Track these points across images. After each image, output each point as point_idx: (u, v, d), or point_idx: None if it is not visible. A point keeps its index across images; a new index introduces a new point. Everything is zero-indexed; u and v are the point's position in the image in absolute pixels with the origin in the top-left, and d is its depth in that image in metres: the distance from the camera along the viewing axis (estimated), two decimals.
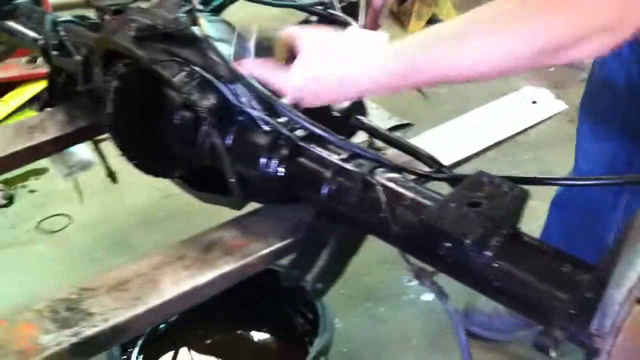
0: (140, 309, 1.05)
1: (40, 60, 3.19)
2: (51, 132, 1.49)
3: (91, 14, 1.73)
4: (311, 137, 1.14)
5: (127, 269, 1.12)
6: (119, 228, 2.68)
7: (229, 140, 1.20)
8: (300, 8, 1.45)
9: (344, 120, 1.23)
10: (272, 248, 1.17)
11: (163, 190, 2.80)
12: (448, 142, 1.46)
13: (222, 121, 1.19)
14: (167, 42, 1.23)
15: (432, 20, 4.80)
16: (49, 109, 1.60)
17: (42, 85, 3.18)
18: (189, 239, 1.19)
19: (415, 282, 2.44)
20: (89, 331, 1.01)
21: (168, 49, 1.22)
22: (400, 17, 4.88)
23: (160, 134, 1.34)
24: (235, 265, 1.13)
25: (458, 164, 1.40)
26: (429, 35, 0.99)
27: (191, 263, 1.13)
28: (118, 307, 1.05)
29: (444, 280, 0.98)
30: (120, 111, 1.30)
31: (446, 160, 1.19)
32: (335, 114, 1.27)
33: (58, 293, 1.08)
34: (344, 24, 1.36)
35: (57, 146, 1.51)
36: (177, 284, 1.09)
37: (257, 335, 2.12)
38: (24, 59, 3.19)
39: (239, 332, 2.12)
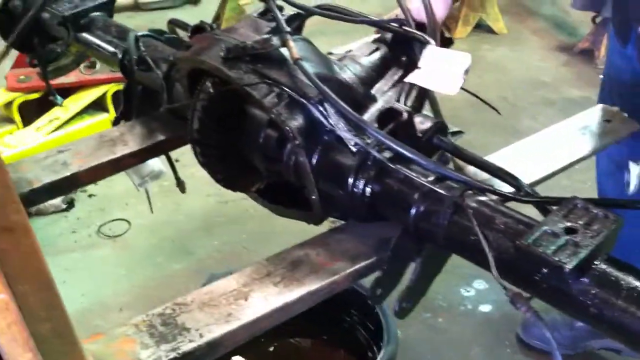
0: (233, 325, 1.08)
1: (99, 66, 3.26)
2: (132, 145, 1.52)
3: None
4: (398, 158, 1.15)
5: (218, 285, 1.15)
6: (178, 233, 2.73)
7: (314, 159, 1.22)
8: (377, 25, 1.46)
9: (427, 140, 1.24)
10: (357, 266, 1.18)
11: (219, 196, 2.84)
12: (524, 160, 1.46)
13: (309, 140, 1.21)
14: (256, 62, 1.25)
15: (479, 25, 4.79)
16: (128, 122, 1.64)
17: (100, 90, 3.26)
18: (275, 256, 1.21)
19: (472, 293, 2.46)
20: (186, 346, 1.04)
21: (257, 70, 1.24)
22: (446, 22, 4.87)
23: (242, 149, 1.37)
24: (322, 283, 1.15)
25: (536, 183, 1.39)
26: None
27: (280, 280, 1.15)
28: (211, 322, 1.08)
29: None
30: (205, 127, 1.33)
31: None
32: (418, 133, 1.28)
33: (154, 308, 1.11)
34: (421, 42, 1.37)
35: (137, 159, 1.54)
36: (268, 300, 1.12)
37: (317, 344, 2.14)
38: (82, 65, 3.24)
39: (299, 340, 2.14)
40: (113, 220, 2.80)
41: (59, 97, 2.18)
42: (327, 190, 1.24)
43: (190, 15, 5.32)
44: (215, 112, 1.33)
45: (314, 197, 1.25)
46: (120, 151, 1.50)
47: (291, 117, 1.20)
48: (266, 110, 1.22)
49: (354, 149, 1.18)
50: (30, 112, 3.19)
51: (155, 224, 2.74)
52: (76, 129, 3.19)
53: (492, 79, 3.98)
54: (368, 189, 1.17)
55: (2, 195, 0.74)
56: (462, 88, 1.27)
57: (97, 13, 1.90)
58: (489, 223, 1.03)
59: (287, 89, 1.20)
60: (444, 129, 1.25)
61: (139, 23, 5.10)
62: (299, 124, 1.20)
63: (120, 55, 1.66)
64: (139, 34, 1.64)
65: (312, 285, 1.14)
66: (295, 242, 1.36)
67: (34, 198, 1.40)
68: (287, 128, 1.19)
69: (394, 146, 1.12)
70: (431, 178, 1.12)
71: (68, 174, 1.43)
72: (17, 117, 3.17)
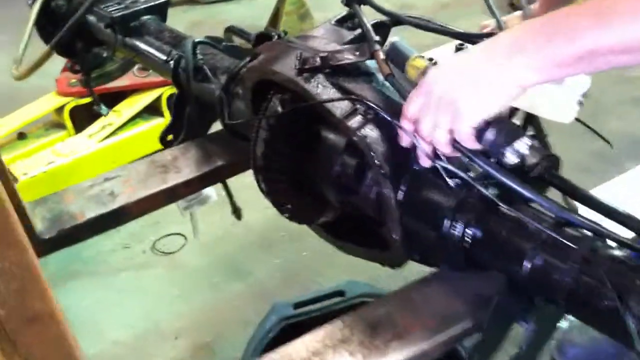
0: None
1: None
2: (185, 173, 1.38)
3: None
4: (508, 196, 0.97)
5: (285, 353, 0.98)
6: (236, 250, 2.59)
7: (401, 192, 1.06)
8: (465, 39, 1.28)
9: (537, 175, 1.05)
10: (450, 332, 1.00)
11: None
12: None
13: (396, 170, 1.05)
14: (337, 75, 1.11)
15: None
16: (181, 144, 1.49)
17: (155, 94, 3.15)
18: (351, 316, 1.04)
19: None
20: None
21: (338, 84, 1.10)
22: (518, 8, 4.60)
23: (312, 177, 1.22)
24: (408, 354, 0.97)
25: None
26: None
27: (356, 347, 0.98)
28: None
29: None
30: (271, 151, 1.18)
31: None
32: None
33: None
34: None
35: (192, 188, 1.40)
36: None
37: None
38: (135, 67, 3.14)
39: None
40: (168, 235, 2.68)
41: (103, 107, 2.08)
42: (413, 230, 1.07)
43: (247, 9, 5.20)
44: (284, 134, 1.18)
45: (395, 236, 1.08)
46: (173, 179, 1.36)
47: (378, 142, 1.04)
48: (348, 132, 1.06)
49: (452, 183, 1.00)
50: (83, 118, 3.10)
51: (211, 239, 2.61)
52: (130, 135, 3.09)
53: None
54: (469, 233, 1.00)
55: (24, 281, 0.62)
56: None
57: (149, 16, 1.77)
58: (630, 286, 0.84)
59: (376, 108, 1.04)
60: (556, 164, 1.05)
61: (194, 18, 5.00)
62: (387, 149, 1.04)
63: (173, 63, 1.52)
64: (197, 40, 1.50)
65: (395, 356, 0.96)
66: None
67: (78, 235, 1.28)
68: (373, 154, 1.03)
69: (509, 182, 0.93)
70: (549, 223, 0.94)
71: (115, 206, 1.30)
72: (68, 123, 3.09)
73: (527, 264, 0.93)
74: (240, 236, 2.67)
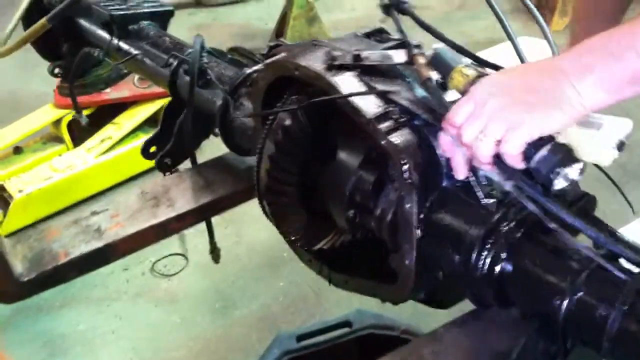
0: None
1: None
2: (179, 206, 1.31)
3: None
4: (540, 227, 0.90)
5: None
6: (239, 271, 2.52)
7: (425, 210, 0.98)
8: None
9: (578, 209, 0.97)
10: None
11: None
12: None
13: (423, 183, 0.97)
14: (369, 76, 1.05)
15: None
16: (175, 173, 1.42)
17: (156, 105, 3.08)
18: None
19: None
20: None
21: (370, 85, 1.04)
22: (541, 13, 4.51)
23: (321, 193, 1.16)
24: None
25: None
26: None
27: None
28: None
29: None
30: (282, 155, 1.12)
31: None
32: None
33: None
34: None
35: (186, 222, 1.33)
36: None
37: None
38: (136, 77, 3.08)
39: None
40: (168, 256, 2.61)
41: (84, 117, 2.03)
42: (432, 256, 0.99)
43: (255, 12, 5.11)
44: (297, 140, 1.11)
45: (408, 262, 1.00)
46: (165, 214, 1.29)
47: (409, 148, 0.96)
48: (376, 135, 0.98)
49: (486, 202, 0.94)
50: (81, 131, 3.04)
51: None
52: (130, 149, 3.01)
53: None
54: (502, 261, 0.92)
55: None
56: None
57: (150, 22, 1.70)
58: None
59: (413, 110, 0.99)
60: (592, 202, 0.98)
61: (200, 21, 4.93)
62: (417, 158, 0.97)
63: (173, 67, 1.46)
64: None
65: None
66: None
67: (60, 276, 1.21)
68: (402, 161, 0.96)
69: (554, 208, 0.86)
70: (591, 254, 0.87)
71: (101, 245, 1.23)
72: (66, 137, 3.03)
73: (567, 299, 0.85)
74: (243, 256, 2.60)
